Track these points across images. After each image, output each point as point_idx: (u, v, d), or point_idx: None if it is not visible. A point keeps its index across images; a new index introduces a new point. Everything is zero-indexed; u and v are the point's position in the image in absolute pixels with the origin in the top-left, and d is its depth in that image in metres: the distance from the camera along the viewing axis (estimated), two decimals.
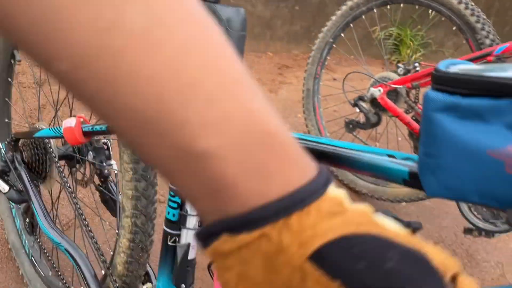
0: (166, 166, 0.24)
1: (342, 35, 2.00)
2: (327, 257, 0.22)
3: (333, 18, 1.98)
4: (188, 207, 0.64)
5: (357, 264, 0.22)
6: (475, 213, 1.52)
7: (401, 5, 1.75)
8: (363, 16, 1.90)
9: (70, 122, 0.76)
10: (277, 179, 0.23)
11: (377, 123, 1.85)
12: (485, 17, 1.51)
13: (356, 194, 1.99)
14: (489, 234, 1.58)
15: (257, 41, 3.17)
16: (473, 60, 1.50)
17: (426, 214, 1.98)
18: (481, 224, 1.49)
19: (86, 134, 0.78)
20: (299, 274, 0.22)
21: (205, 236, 0.25)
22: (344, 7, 1.93)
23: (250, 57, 3.19)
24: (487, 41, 1.48)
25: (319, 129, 2.12)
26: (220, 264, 0.25)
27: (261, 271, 0.23)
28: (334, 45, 2.04)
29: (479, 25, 1.49)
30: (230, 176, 0.22)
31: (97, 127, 0.76)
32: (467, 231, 1.64)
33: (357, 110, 1.85)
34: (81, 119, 0.79)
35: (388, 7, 1.79)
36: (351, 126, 1.94)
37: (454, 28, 1.59)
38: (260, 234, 0.23)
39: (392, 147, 2.11)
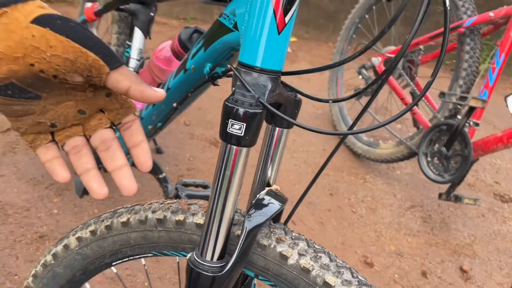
0: None
1: (366, 16, 2.28)
2: (42, 21, 0.39)
3: (360, 1, 2.27)
4: None
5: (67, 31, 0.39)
6: (431, 167, 1.71)
7: None
8: (383, 0, 2.17)
9: (87, 5, 1.25)
10: None
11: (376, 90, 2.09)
12: None
13: (354, 153, 2.25)
14: (458, 199, 1.76)
15: (320, 31, 3.51)
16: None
17: (418, 184, 2.15)
18: (432, 176, 1.68)
19: (95, 13, 1.26)
20: (26, 31, 0.38)
21: None
22: None
23: (310, 44, 3.55)
24: (464, 17, 1.67)
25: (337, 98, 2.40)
26: None
27: (1, 34, 0.38)
28: (359, 25, 2.32)
29: (460, 3, 1.69)
30: None
31: (100, 8, 1.23)
32: (440, 195, 1.83)
33: (360, 77, 2.12)
34: (95, 6, 1.27)
35: None
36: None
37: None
38: (2, 11, 0.38)
39: (398, 120, 2.30)
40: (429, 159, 1.71)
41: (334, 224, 1.80)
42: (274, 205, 0.60)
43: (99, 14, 1.30)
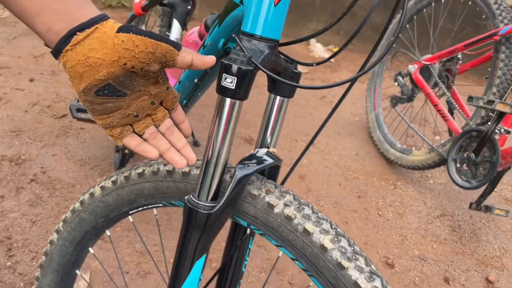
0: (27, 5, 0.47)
1: (407, 26, 2.30)
2: (125, 29, 0.50)
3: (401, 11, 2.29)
4: None
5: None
6: (460, 173, 1.70)
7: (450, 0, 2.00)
8: (424, 10, 2.19)
9: (136, 0, 1.39)
10: (90, 8, 0.51)
11: (411, 96, 2.10)
12: (506, 5, 1.70)
13: (386, 160, 2.25)
14: (488, 209, 1.74)
15: (365, 43, 3.53)
16: (480, 40, 1.71)
17: (450, 194, 2.12)
18: (460, 182, 1.67)
19: (143, 8, 1.40)
20: (116, 39, 0.49)
21: (63, 41, 0.48)
22: (410, 1, 2.24)
23: (354, 55, 3.58)
24: (501, 25, 1.67)
25: (374, 105, 2.43)
26: (73, 54, 0.48)
27: (97, 45, 0.49)
28: (400, 35, 2.35)
29: (498, 12, 1.69)
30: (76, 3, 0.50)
31: (147, 3, 1.36)
32: (470, 205, 1.82)
33: (396, 84, 2.14)
34: (142, 1, 1.41)
35: (443, 1, 2.05)
36: (394, 101, 2.22)
37: (483, 16, 1.80)
38: (94, 28, 0.49)
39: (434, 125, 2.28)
40: (458, 165, 1.70)
41: (359, 224, 1.83)
42: (266, 161, 0.67)
43: (145, 8, 1.43)
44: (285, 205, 0.64)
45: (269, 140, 0.73)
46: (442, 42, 2.44)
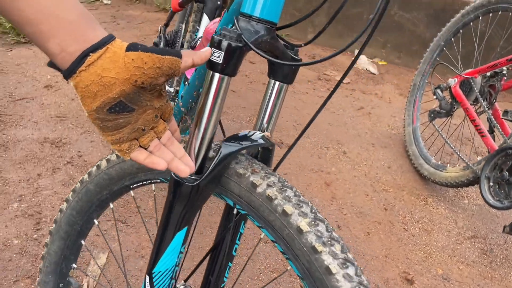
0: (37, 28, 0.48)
1: (452, 39, 2.23)
2: (133, 48, 0.52)
3: (448, 24, 2.23)
4: None
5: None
6: (492, 192, 1.62)
7: (499, 12, 1.91)
8: (471, 24, 2.11)
9: None
10: (99, 29, 0.52)
11: (450, 111, 2.02)
12: None
13: (419, 175, 2.18)
14: None
15: (413, 57, 3.45)
16: None
17: (486, 217, 2.01)
18: (491, 201, 1.59)
19: (179, 4, 1.46)
20: (126, 58, 0.51)
21: (77, 62, 0.50)
22: (457, 15, 2.17)
23: (400, 69, 3.50)
24: None
25: (412, 119, 2.36)
26: (86, 74, 0.50)
27: (109, 65, 0.51)
28: (444, 48, 2.28)
29: None
30: (87, 26, 0.51)
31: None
32: (504, 228, 1.73)
33: (434, 97, 2.07)
34: None
35: (490, 15, 1.96)
36: (432, 115, 2.15)
37: None
38: (105, 49, 0.51)
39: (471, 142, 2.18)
40: (490, 183, 1.62)
41: (382, 236, 1.77)
42: (255, 141, 0.68)
43: (182, 4, 1.49)
44: (268, 185, 0.64)
45: (265, 124, 0.74)
46: (488, 57, 2.33)
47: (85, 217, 0.91)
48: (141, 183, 0.83)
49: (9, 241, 1.42)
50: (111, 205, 0.89)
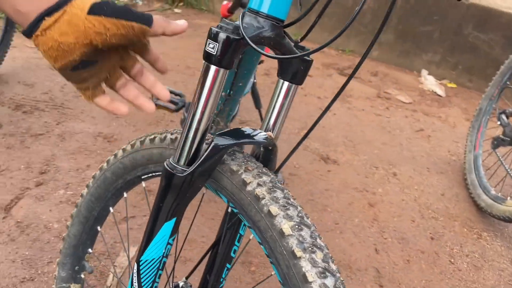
0: None
1: None
2: (96, 10, 0.49)
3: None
4: None
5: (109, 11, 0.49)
6: None
7: None
8: None
9: (224, 2, 1.48)
10: None
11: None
12: None
13: (476, 206, 2.01)
14: None
15: (486, 81, 3.21)
16: None
17: None
18: None
19: (228, 10, 1.48)
20: (87, 22, 0.49)
21: (32, 26, 0.48)
22: None
23: (471, 93, 3.28)
24: None
25: (474, 145, 2.20)
26: (44, 39, 0.48)
27: (68, 28, 0.48)
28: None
29: None
30: None
31: (231, 5, 1.44)
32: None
33: (498, 123, 1.91)
34: (229, 4, 1.49)
35: None
36: (495, 142, 1.98)
37: None
38: (62, 12, 0.48)
39: None
40: None
41: (423, 266, 1.65)
42: (252, 138, 0.66)
43: (231, 10, 1.51)
44: (258, 184, 0.62)
45: (271, 125, 0.72)
46: None
47: (102, 204, 0.94)
48: (151, 174, 0.84)
49: (51, 224, 1.50)
50: (125, 195, 0.92)
